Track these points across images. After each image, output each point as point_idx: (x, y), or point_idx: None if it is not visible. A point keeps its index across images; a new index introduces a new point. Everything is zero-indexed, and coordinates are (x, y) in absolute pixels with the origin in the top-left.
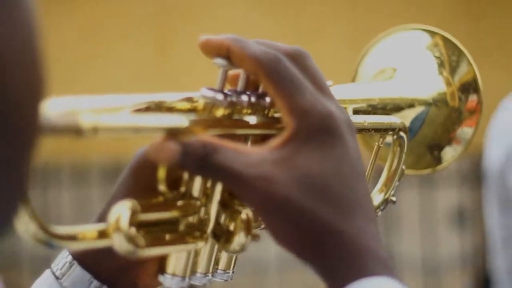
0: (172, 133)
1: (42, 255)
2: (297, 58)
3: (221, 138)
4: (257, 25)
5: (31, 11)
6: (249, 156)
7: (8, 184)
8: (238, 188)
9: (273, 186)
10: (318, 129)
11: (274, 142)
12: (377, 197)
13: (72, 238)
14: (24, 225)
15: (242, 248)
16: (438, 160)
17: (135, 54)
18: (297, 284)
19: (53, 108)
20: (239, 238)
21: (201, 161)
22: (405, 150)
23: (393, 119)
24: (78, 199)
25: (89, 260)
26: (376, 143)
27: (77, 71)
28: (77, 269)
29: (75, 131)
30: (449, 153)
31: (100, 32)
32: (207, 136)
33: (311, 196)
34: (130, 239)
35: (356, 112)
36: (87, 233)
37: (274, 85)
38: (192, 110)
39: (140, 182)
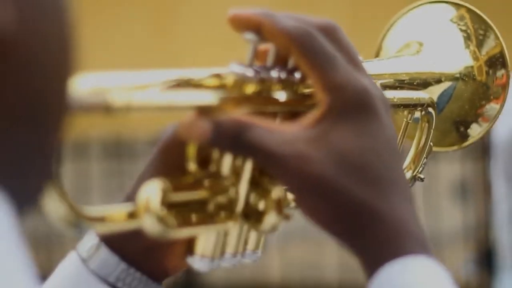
0: (203, 111)
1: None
2: (329, 32)
3: (252, 116)
4: None
5: None
6: (283, 134)
7: (36, 164)
8: (272, 167)
9: (308, 165)
10: (353, 105)
11: (308, 119)
12: (405, 175)
13: (102, 219)
14: (54, 207)
15: (273, 229)
16: (464, 137)
17: (136, 33)
18: (297, 258)
19: (83, 85)
20: (270, 218)
21: (233, 139)
22: (433, 126)
23: (422, 95)
24: (78, 173)
25: (116, 242)
26: (405, 119)
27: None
28: (104, 251)
29: (106, 109)
30: (475, 130)
31: (100, 12)
32: (239, 114)
33: (347, 174)
34: (161, 220)
35: (384, 87)
36: (116, 215)
37: (307, 60)
38: (222, 87)
39: (169, 161)
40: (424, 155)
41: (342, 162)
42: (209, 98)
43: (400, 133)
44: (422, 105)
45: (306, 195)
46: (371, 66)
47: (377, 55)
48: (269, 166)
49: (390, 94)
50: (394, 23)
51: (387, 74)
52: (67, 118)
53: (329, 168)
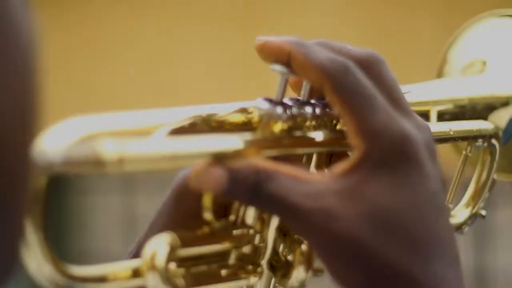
0: (219, 156)
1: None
2: (370, 66)
3: (279, 160)
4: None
5: (27, 27)
6: (310, 185)
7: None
8: (296, 223)
9: (337, 222)
10: (391, 154)
11: (340, 168)
12: (463, 212)
13: (101, 280)
14: (37, 266)
15: (301, 285)
16: None
17: (217, 55)
18: None
19: (66, 135)
20: (298, 273)
21: (252, 191)
22: (496, 159)
23: (484, 125)
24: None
25: None
26: (464, 152)
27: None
28: None
29: (95, 164)
30: None
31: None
32: (261, 160)
33: (381, 235)
34: (167, 279)
35: (441, 115)
36: (119, 273)
37: (341, 101)
38: (247, 124)
39: (183, 210)
40: (486, 190)
41: (377, 221)
42: (231, 142)
43: (458, 167)
44: (483, 136)
45: (334, 256)
46: (429, 90)
47: (440, 69)
48: (293, 222)
49: (446, 126)
50: (456, 38)
51: (446, 99)
52: (31, 171)
53: (361, 227)
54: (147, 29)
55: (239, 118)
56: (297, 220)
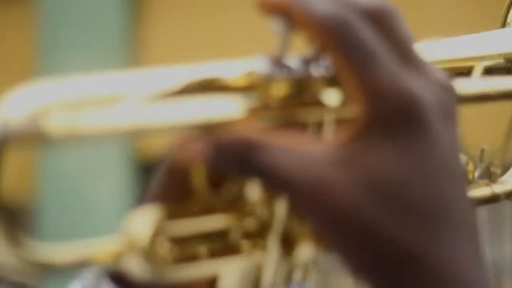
0: (206, 127)
1: None
2: (379, 19)
3: (274, 130)
4: None
5: None
6: (303, 154)
7: None
8: (288, 196)
9: (334, 195)
10: (393, 118)
11: (339, 135)
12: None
13: (76, 265)
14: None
15: (309, 261)
16: None
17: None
18: None
19: (14, 106)
20: (304, 249)
21: (240, 163)
22: None
23: None
24: None
25: (123, 278)
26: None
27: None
28: (104, 286)
29: (41, 139)
30: None
31: None
32: (251, 129)
33: (381, 208)
34: (150, 257)
35: (488, 71)
36: (96, 255)
37: (340, 59)
38: (249, 88)
39: (175, 187)
40: None
41: (376, 192)
42: (222, 110)
43: (508, 134)
44: None
45: (330, 231)
46: (475, 43)
47: (504, 17)
48: (286, 195)
49: (486, 83)
50: None
51: (496, 53)
52: None
53: (359, 199)
54: None
55: (243, 82)
56: (289, 193)
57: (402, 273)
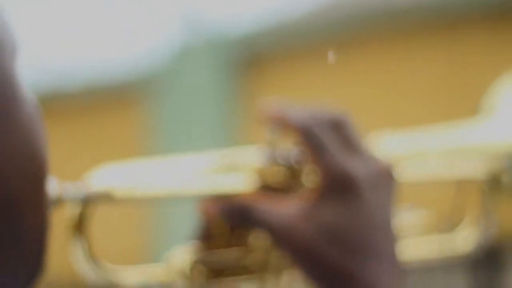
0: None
1: None
2: (335, 125)
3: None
4: None
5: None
6: (281, 210)
7: (20, 255)
8: (272, 238)
9: (300, 237)
10: (335, 188)
11: (303, 196)
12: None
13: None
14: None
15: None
16: None
17: None
18: None
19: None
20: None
21: (242, 217)
22: (497, 199)
23: (481, 167)
24: None
25: None
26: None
27: None
28: None
29: (108, 197)
30: None
31: None
32: (249, 197)
33: (332, 244)
34: (189, 277)
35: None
36: (151, 278)
37: (309, 150)
38: (257, 172)
39: (207, 228)
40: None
41: (327, 233)
42: (235, 187)
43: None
44: (482, 179)
45: (299, 259)
46: (428, 138)
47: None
48: (271, 237)
49: (435, 169)
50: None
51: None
52: (47, 212)
53: (316, 238)
54: None
55: (253, 166)
56: (272, 236)
57: (343, 285)
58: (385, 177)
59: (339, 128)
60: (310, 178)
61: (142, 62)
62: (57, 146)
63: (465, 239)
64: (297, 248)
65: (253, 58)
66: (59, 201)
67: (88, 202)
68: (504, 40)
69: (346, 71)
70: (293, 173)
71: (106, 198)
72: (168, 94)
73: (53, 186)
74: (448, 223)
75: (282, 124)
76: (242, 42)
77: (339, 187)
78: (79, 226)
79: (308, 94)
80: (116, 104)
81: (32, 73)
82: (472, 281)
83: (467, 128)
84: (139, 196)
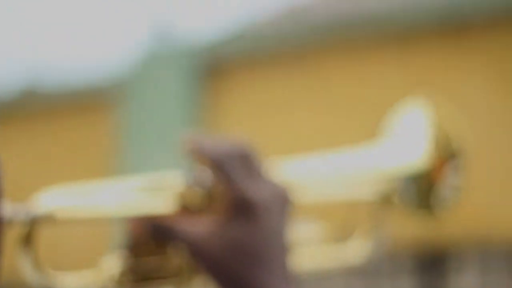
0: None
1: None
2: (240, 156)
3: (180, 214)
4: None
5: None
6: (194, 229)
7: None
8: (188, 251)
9: (209, 251)
10: (239, 210)
11: (214, 216)
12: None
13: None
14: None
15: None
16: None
17: None
18: None
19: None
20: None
21: (163, 235)
22: (388, 218)
23: (369, 191)
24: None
25: None
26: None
27: None
28: None
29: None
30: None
31: None
32: (170, 219)
33: (232, 257)
34: (118, 282)
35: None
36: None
37: (218, 177)
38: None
39: (135, 242)
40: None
41: (232, 248)
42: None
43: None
44: (373, 201)
45: (209, 269)
46: (319, 163)
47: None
48: (186, 248)
49: (327, 193)
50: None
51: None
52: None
53: (222, 251)
54: None
55: (169, 188)
56: (188, 249)
57: None
58: (280, 199)
59: (244, 159)
60: (221, 201)
61: (109, 68)
62: (24, 150)
63: (356, 250)
64: (207, 260)
65: (218, 65)
66: (9, 222)
67: (34, 223)
68: (414, 62)
69: (307, 79)
70: (209, 196)
71: (49, 220)
72: (134, 100)
73: (5, 207)
74: (341, 235)
75: (199, 155)
76: (207, 50)
77: (242, 209)
78: (27, 241)
79: (271, 101)
80: (82, 109)
81: None
82: (417, 286)
83: (365, 151)
84: (80, 218)
